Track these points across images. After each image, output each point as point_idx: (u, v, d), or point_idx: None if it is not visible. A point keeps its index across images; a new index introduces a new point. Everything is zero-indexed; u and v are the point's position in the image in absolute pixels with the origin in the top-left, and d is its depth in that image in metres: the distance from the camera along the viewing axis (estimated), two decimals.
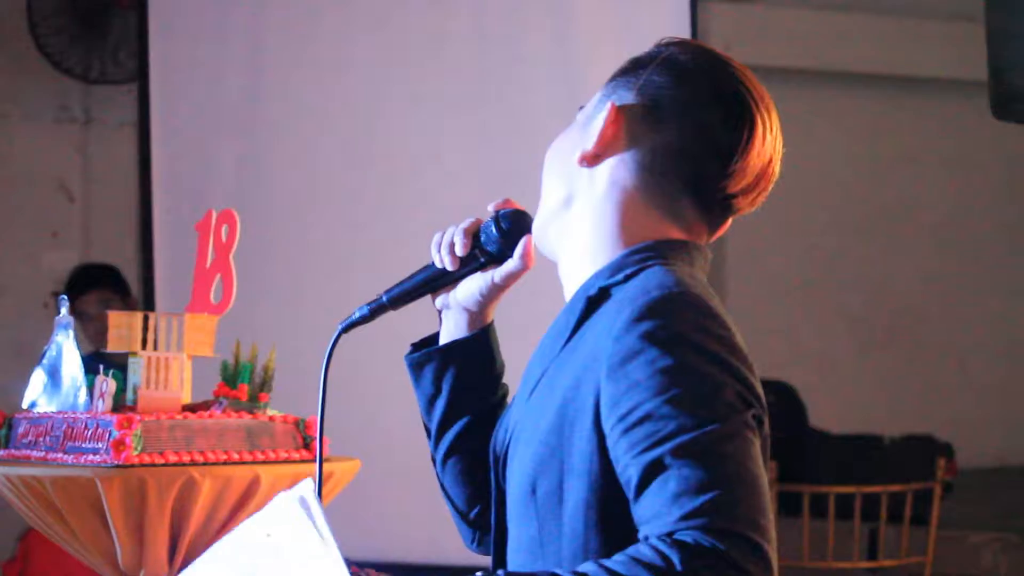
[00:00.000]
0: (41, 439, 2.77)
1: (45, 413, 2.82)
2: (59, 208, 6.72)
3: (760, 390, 1.73)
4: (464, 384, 2.01)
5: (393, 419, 3.91)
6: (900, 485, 5.37)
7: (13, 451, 2.84)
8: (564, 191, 1.89)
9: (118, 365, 2.85)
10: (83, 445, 2.67)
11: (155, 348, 2.80)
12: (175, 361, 2.80)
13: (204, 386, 2.87)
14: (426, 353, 2.02)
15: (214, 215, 2.84)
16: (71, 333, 2.89)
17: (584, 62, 4.50)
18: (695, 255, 1.84)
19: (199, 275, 2.85)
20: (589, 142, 1.86)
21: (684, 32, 4.48)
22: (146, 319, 2.81)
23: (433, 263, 1.98)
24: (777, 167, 1.87)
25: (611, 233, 1.84)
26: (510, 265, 1.96)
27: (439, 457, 2.04)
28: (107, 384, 2.74)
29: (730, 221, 1.90)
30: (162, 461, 2.65)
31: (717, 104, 1.83)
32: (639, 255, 1.81)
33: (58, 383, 2.87)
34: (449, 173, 4.64)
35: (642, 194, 1.84)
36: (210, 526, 2.69)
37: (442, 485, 2.06)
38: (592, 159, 1.86)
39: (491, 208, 1.97)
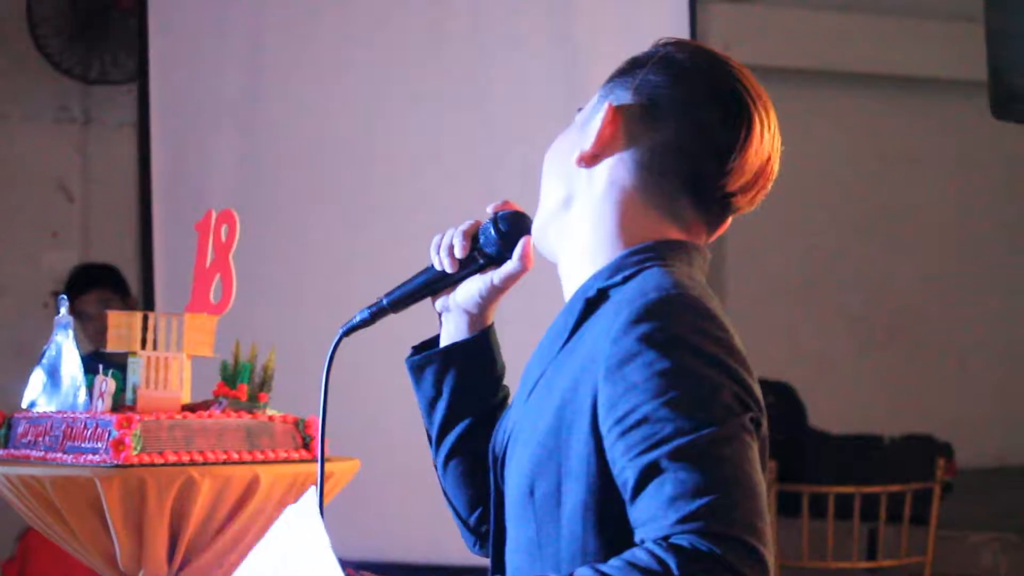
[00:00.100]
0: (40, 439, 2.77)
1: (44, 413, 2.82)
2: (59, 208, 6.72)
3: (758, 391, 1.73)
4: (465, 386, 2.00)
5: (393, 419, 3.91)
6: (900, 485, 5.36)
7: (12, 451, 2.84)
8: (563, 192, 1.88)
9: (118, 365, 2.85)
10: (82, 445, 2.67)
11: (155, 348, 2.80)
12: (175, 361, 2.80)
13: (204, 386, 2.87)
14: (426, 356, 2.02)
15: (214, 215, 2.84)
16: (71, 333, 2.89)
17: (584, 62, 4.50)
18: (694, 255, 1.84)
19: (199, 275, 2.85)
20: (587, 142, 1.85)
21: (683, 32, 4.48)
22: (146, 319, 2.81)
23: (432, 266, 1.98)
24: (776, 165, 1.87)
25: (610, 233, 1.84)
26: (509, 266, 1.95)
27: (440, 460, 2.04)
28: (107, 384, 2.74)
29: (730, 220, 1.90)
30: (161, 461, 2.64)
31: (715, 103, 1.83)
32: (637, 256, 1.81)
33: (58, 383, 2.87)
34: (449, 173, 4.63)
35: (641, 194, 1.84)
36: (209, 526, 2.69)
37: (444, 490, 2.06)
38: (590, 159, 1.85)
39: (490, 210, 1.97)
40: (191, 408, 2.79)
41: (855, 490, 5.24)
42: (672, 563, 1.57)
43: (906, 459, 6.92)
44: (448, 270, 1.96)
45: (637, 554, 1.59)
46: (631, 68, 1.88)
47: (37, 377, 2.89)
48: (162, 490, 2.62)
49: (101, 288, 5.37)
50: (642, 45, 1.92)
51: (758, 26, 8.48)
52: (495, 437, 1.92)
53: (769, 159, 1.85)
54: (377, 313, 1.98)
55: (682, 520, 1.59)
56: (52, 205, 6.71)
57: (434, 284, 1.99)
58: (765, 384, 1.81)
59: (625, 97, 1.85)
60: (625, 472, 1.66)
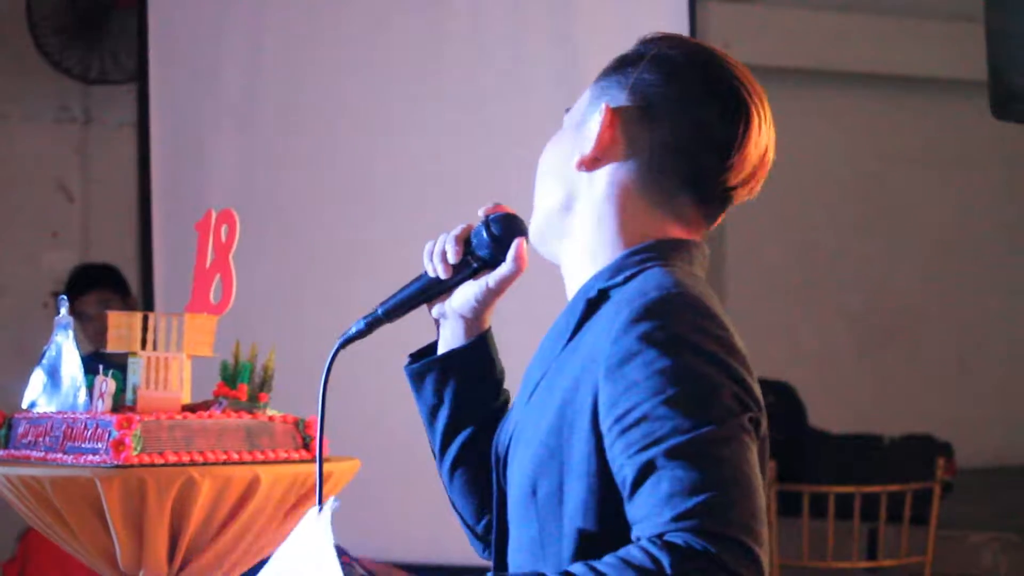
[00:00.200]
0: (41, 439, 2.77)
1: (45, 413, 2.82)
2: (59, 208, 6.72)
3: (758, 391, 1.73)
4: (465, 393, 2.00)
5: (393, 419, 3.91)
6: (900, 485, 5.36)
7: (13, 451, 2.84)
8: (563, 195, 1.88)
9: (118, 365, 2.85)
10: (83, 445, 2.67)
11: (155, 348, 2.80)
12: (175, 361, 2.80)
13: (204, 386, 2.86)
14: (426, 364, 2.01)
15: (213, 215, 2.84)
16: (71, 333, 2.88)
17: (584, 62, 4.50)
18: (695, 253, 1.84)
19: (199, 275, 2.84)
20: (587, 146, 1.85)
21: (683, 32, 4.47)
22: (146, 319, 2.81)
23: (426, 272, 1.97)
24: (772, 154, 1.87)
25: (612, 234, 1.84)
26: (504, 269, 1.95)
27: (445, 471, 2.03)
28: (107, 384, 2.74)
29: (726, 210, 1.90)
30: (162, 461, 2.64)
31: (712, 99, 1.83)
32: (638, 256, 1.81)
33: (58, 383, 2.86)
34: (449, 173, 4.64)
35: (642, 193, 1.84)
36: (210, 526, 2.69)
37: (452, 500, 2.05)
38: (591, 163, 1.85)
39: (481, 213, 1.97)
40: (191, 408, 2.78)
41: (855, 490, 5.24)
42: (665, 561, 1.57)
43: (906, 459, 6.93)
44: (442, 276, 1.96)
45: (631, 551, 1.59)
46: (622, 67, 1.88)
47: (37, 377, 2.89)
48: (162, 490, 2.62)
49: (101, 288, 5.37)
50: None
51: (758, 26, 8.48)
52: (497, 438, 1.92)
53: (766, 150, 1.86)
54: (373, 323, 1.96)
55: (677, 518, 1.59)
56: (52, 205, 6.71)
57: (429, 291, 1.98)
58: (765, 384, 1.81)
59: (621, 98, 1.85)
60: (624, 470, 1.66)
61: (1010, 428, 9.08)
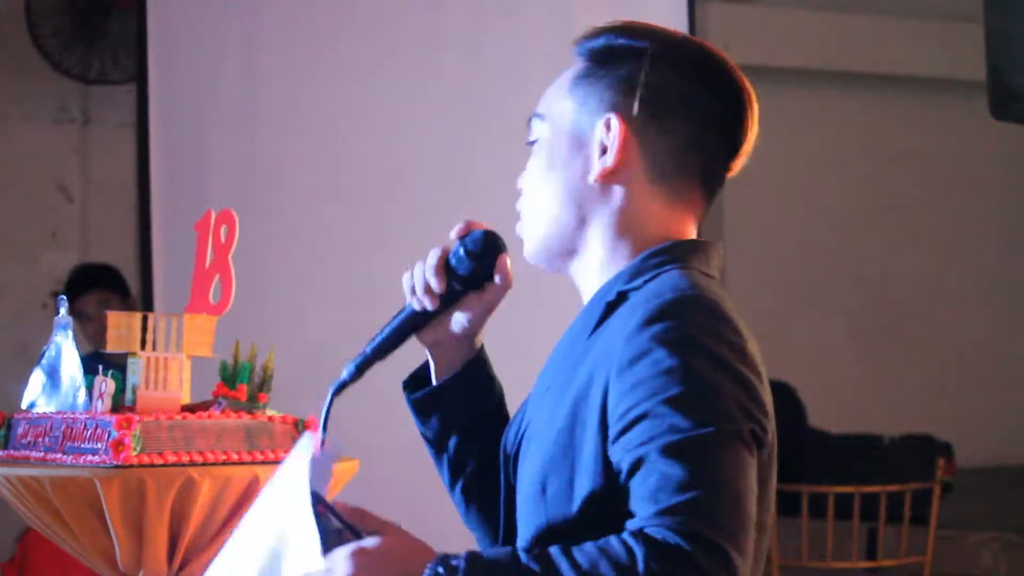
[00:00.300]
0: (40, 440, 2.77)
1: (44, 414, 2.82)
2: (58, 208, 6.72)
3: (767, 398, 1.73)
4: (470, 419, 1.98)
5: (393, 419, 3.90)
6: (899, 485, 5.36)
7: (12, 452, 2.84)
8: (574, 212, 1.86)
9: (117, 365, 2.85)
10: (82, 445, 2.67)
11: (154, 348, 2.80)
12: (174, 361, 2.80)
13: (203, 386, 2.86)
14: (428, 395, 1.98)
15: (213, 215, 2.84)
16: (70, 333, 2.89)
17: None
18: (711, 254, 1.85)
19: (198, 275, 2.84)
20: (609, 158, 1.83)
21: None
22: (145, 319, 2.81)
23: (410, 306, 1.93)
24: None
25: (630, 239, 1.84)
26: (492, 288, 1.92)
27: (459, 500, 2.02)
28: (106, 384, 2.74)
29: None
30: (161, 461, 2.64)
31: (719, 94, 1.84)
32: (656, 259, 1.81)
33: (57, 383, 2.86)
34: (447, 173, 4.63)
35: (657, 195, 1.85)
36: (209, 526, 2.69)
37: (467, 524, 2.04)
38: (610, 176, 1.84)
39: (453, 235, 1.93)
40: (191, 408, 2.78)
41: (855, 490, 5.24)
42: (640, 554, 1.57)
43: (906, 459, 6.93)
44: (430, 308, 1.92)
45: (611, 540, 1.60)
46: (611, 65, 1.86)
47: (37, 378, 2.89)
48: (162, 491, 2.62)
49: (101, 289, 5.37)
50: None
51: (758, 26, 8.48)
52: (506, 436, 1.92)
53: (756, 130, 1.88)
54: (363, 366, 1.91)
55: (660, 513, 1.60)
56: (51, 205, 6.71)
57: (415, 324, 1.93)
58: None
59: (627, 102, 1.84)
60: (620, 465, 1.67)
61: (1010, 428, 9.08)
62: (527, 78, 4.63)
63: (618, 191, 1.84)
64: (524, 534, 1.82)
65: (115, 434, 2.61)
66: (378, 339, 1.93)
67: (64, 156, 6.74)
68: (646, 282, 1.78)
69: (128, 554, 2.66)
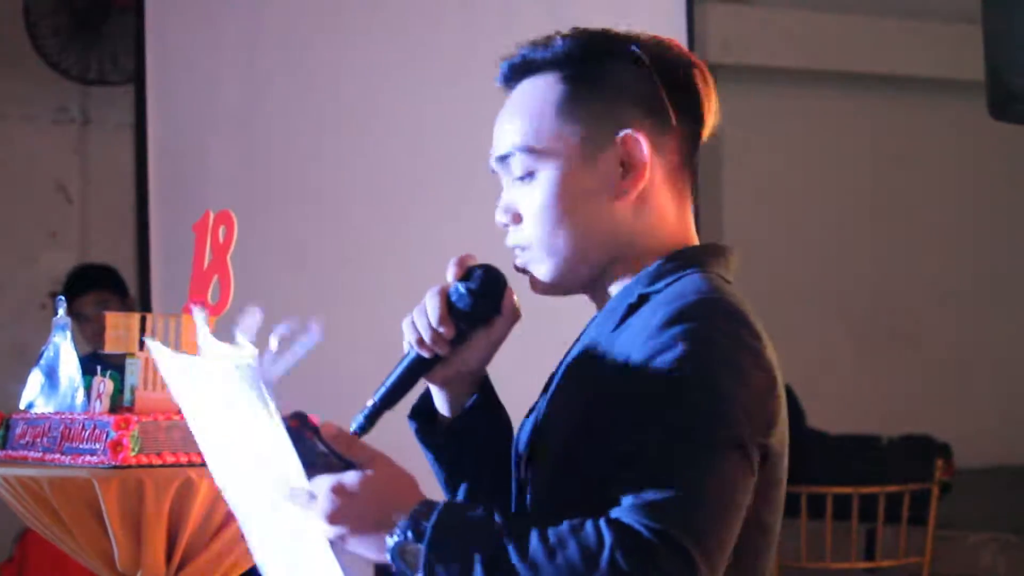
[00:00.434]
0: (38, 440, 2.77)
1: (42, 414, 2.82)
2: (57, 209, 6.72)
3: (780, 405, 1.75)
4: (482, 453, 1.94)
5: (393, 419, 3.91)
6: (898, 485, 5.36)
7: (10, 452, 2.84)
8: (607, 240, 1.84)
9: (115, 366, 2.84)
10: (80, 446, 2.67)
11: None
12: None
13: None
14: (442, 435, 1.95)
15: (211, 216, 2.84)
16: (68, 334, 2.88)
17: None
18: (730, 258, 1.89)
19: (196, 276, 2.84)
20: (639, 175, 1.83)
21: (681, 33, 4.47)
22: (143, 320, 2.81)
23: (413, 351, 1.88)
24: None
25: (652, 246, 1.85)
26: (499, 323, 1.89)
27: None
28: (104, 385, 2.74)
29: None
30: (159, 462, 2.64)
31: (691, 89, 1.88)
32: (676, 262, 1.83)
33: (55, 384, 2.86)
34: (447, 174, 4.64)
35: (670, 198, 1.87)
36: (208, 527, 2.69)
37: None
38: (641, 195, 1.84)
39: (451, 276, 1.89)
40: None
41: (853, 490, 5.24)
42: (608, 542, 1.57)
43: (904, 459, 6.93)
44: (442, 355, 1.87)
45: (586, 524, 1.60)
46: (595, 81, 1.89)
47: (35, 378, 2.89)
48: (160, 491, 2.62)
49: (99, 289, 5.37)
50: None
51: (757, 26, 8.48)
52: (518, 436, 1.92)
53: None
54: (372, 416, 1.88)
55: (641, 507, 1.60)
56: (50, 206, 6.71)
57: (424, 369, 1.89)
58: None
59: (635, 113, 1.85)
60: (624, 455, 1.67)
61: (1009, 428, 9.08)
62: None
63: (644, 205, 1.85)
64: None
65: (113, 434, 2.61)
66: (385, 388, 1.89)
67: (63, 156, 6.74)
68: (667, 285, 1.79)
69: (126, 554, 2.66)
